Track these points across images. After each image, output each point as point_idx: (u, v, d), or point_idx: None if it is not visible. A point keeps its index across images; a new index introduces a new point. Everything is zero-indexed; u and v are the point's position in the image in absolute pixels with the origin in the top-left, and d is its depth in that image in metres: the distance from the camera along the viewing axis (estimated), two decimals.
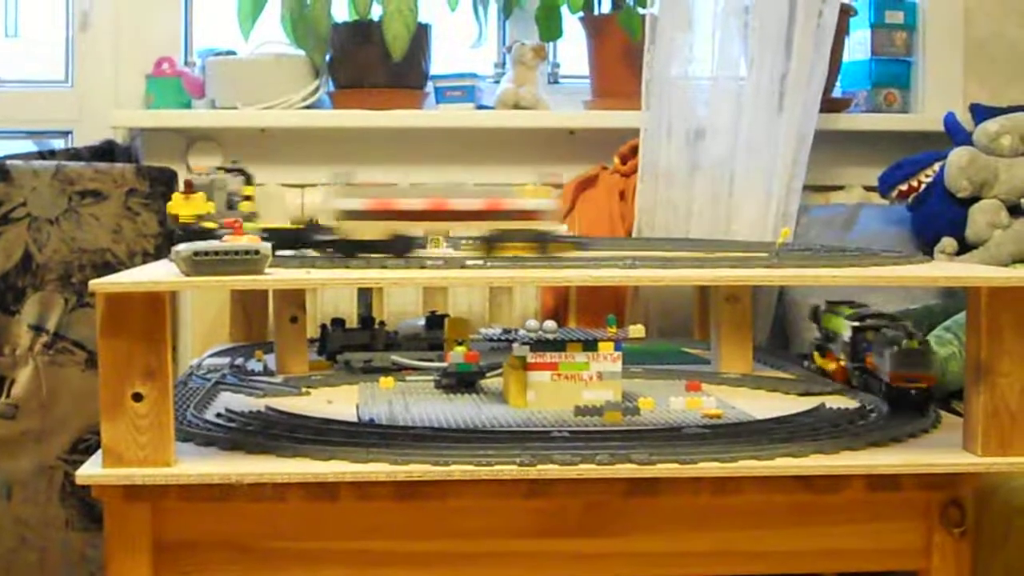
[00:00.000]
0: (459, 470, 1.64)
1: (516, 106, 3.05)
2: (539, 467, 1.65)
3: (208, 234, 1.96)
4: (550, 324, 2.01)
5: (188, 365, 2.49)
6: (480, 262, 1.75)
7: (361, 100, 3.00)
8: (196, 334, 3.00)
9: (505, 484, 1.67)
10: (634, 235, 2.88)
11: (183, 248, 1.59)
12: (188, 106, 3.01)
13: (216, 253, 1.58)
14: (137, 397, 1.59)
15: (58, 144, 3.10)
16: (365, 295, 2.85)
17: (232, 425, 1.82)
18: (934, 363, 2.02)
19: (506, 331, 2.08)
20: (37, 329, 2.65)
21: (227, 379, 2.20)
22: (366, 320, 2.52)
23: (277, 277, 1.64)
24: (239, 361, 2.40)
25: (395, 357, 2.34)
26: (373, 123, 3.00)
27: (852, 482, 1.73)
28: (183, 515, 1.66)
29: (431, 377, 2.22)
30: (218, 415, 1.88)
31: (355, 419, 1.88)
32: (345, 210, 1.83)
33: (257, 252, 1.59)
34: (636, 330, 2.05)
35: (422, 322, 2.50)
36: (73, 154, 2.89)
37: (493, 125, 3.07)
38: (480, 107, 3.09)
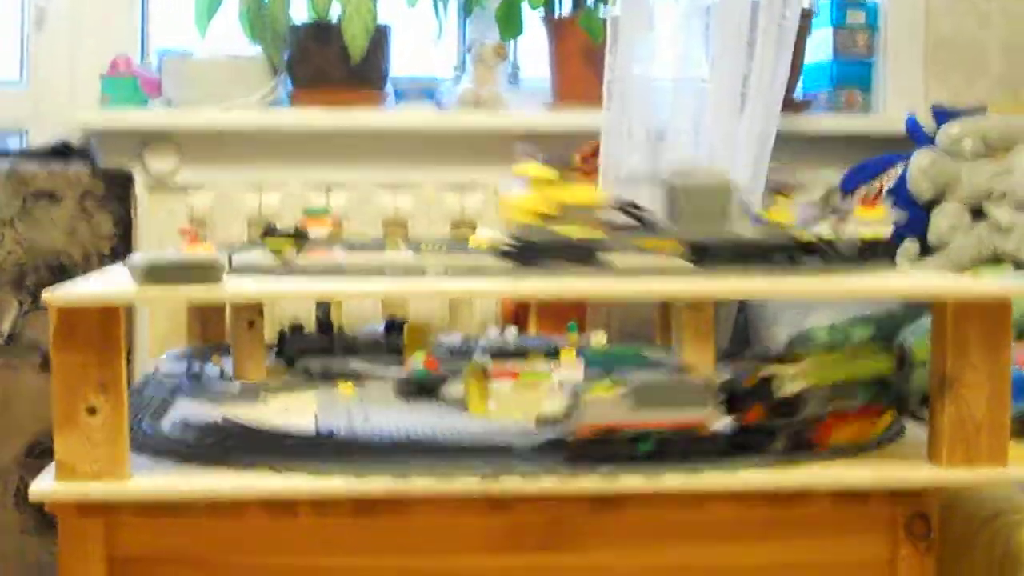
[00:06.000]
0: (420, 485, 1.62)
1: (476, 106, 3.03)
2: (501, 481, 1.63)
3: None
4: (511, 332, 1.99)
5: (144, 369, 2.45)
6: (441, 270, 1.72)
7: (320, 100, 2.96)
8: (154, 334, 2.96)
9: (466, 499, 1.65)
10: None
11: (137, 258, 1.56)
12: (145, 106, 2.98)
13: (171, 263, 1.55)
14: (91, 411, 1.56)
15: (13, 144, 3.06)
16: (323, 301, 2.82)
17: (188, 437, 1.79)
18: None
19: (466, 339, 2.06)
20: None
21: (184, 386, 2.17)
22: (324, 325, 2.49)
23: (233, 290, 1.61)
24: (196, 366, 2.37)
25: (354, 363, 2.31)
26: (332, 123, 2.96)
27: (818, 496, 1.72)
28: (138, 530, 1.63)
29: (391, 384, 2.19)
30: (174, 426, 1.85)
31: (314, 431, 1.85)
32: None
33: (213, 262, 1.56)
34: (598, 337, 2.03)
35: (381, 328, 2.47)
36: (28, 154, 2.86)
37: (453, 125, 3.04)
38: (440, 107, 3.07)
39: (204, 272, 1.56)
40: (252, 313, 2.32)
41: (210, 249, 1.61)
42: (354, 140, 3.02)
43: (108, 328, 1.56)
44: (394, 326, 2.45)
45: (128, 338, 2.86)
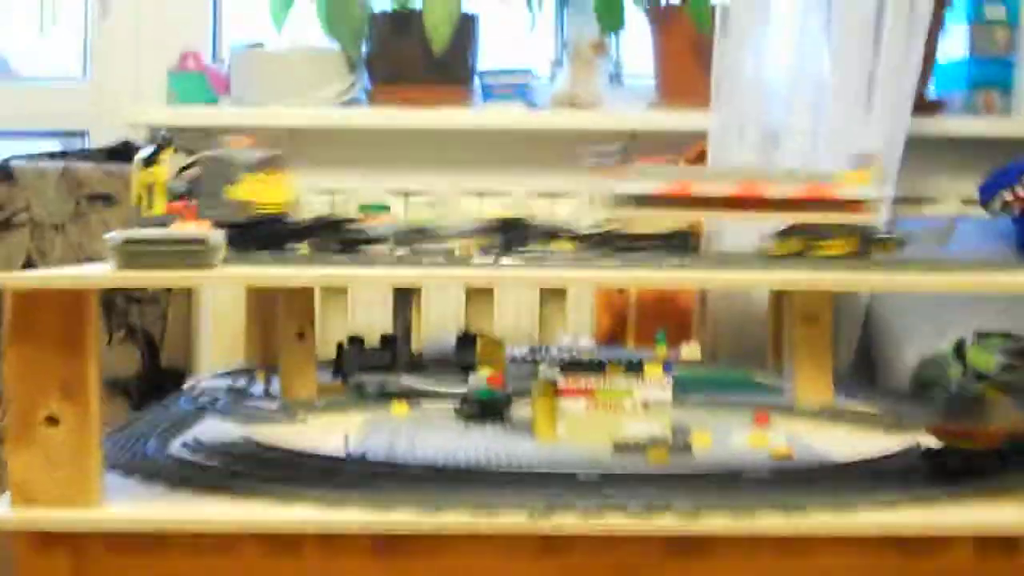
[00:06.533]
0: (454, 520, 1.33)
1: (572, 105, 2.78)
2: (555, 518, 1.33)
3: None
4: (586, 341, 1.70)
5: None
6: (490, 260, 1.43)
7: (401, 97, 2.77)
8: (216, 352, 2.73)
9: (514, 539, 1.35)
10: (703, 247, 2.57)
11: (115, 236, 1.29)
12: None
13: (154, 242, 1.28)
14: (52, 421, 1.29)
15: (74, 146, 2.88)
16: (403, 308, 2.54)
17: (194, 459, 1.52)
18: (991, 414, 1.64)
19: (533, 350, 1.76)
20: None
21: (218, 403, 1.91)
22: (388, 339, 2.23)
23: (225, 273, 1.33)
24: (239, 382, 2.11)
25: (411, 381, 2.04)
26: (413, 122, 2.77)
27: (956, 544, 1.40)
28: (112, 568, 1.35)
29: (452, 405, 1.91)
30: (183, 446, 1.58)
31: (340, 454, 1.57)
32: (630, 195, 1.54)
33: (204, 241, 1.29)
34: (690, 350, 1.73)
35: (452, 342, 2.21)
36: (85, 155, 2.67)
37: (547, 126, 2.81)
38: (532, 106, 2.85)
39: (193, 252, 1.28)
40: (302, 323, 2.07)
41: (204, 226, 1.33)
42: (437, 140, 2.80)
43: (74, 319, 1.28)
44: (466, 340, 2.18)
45: (185, 351, 2.66)
